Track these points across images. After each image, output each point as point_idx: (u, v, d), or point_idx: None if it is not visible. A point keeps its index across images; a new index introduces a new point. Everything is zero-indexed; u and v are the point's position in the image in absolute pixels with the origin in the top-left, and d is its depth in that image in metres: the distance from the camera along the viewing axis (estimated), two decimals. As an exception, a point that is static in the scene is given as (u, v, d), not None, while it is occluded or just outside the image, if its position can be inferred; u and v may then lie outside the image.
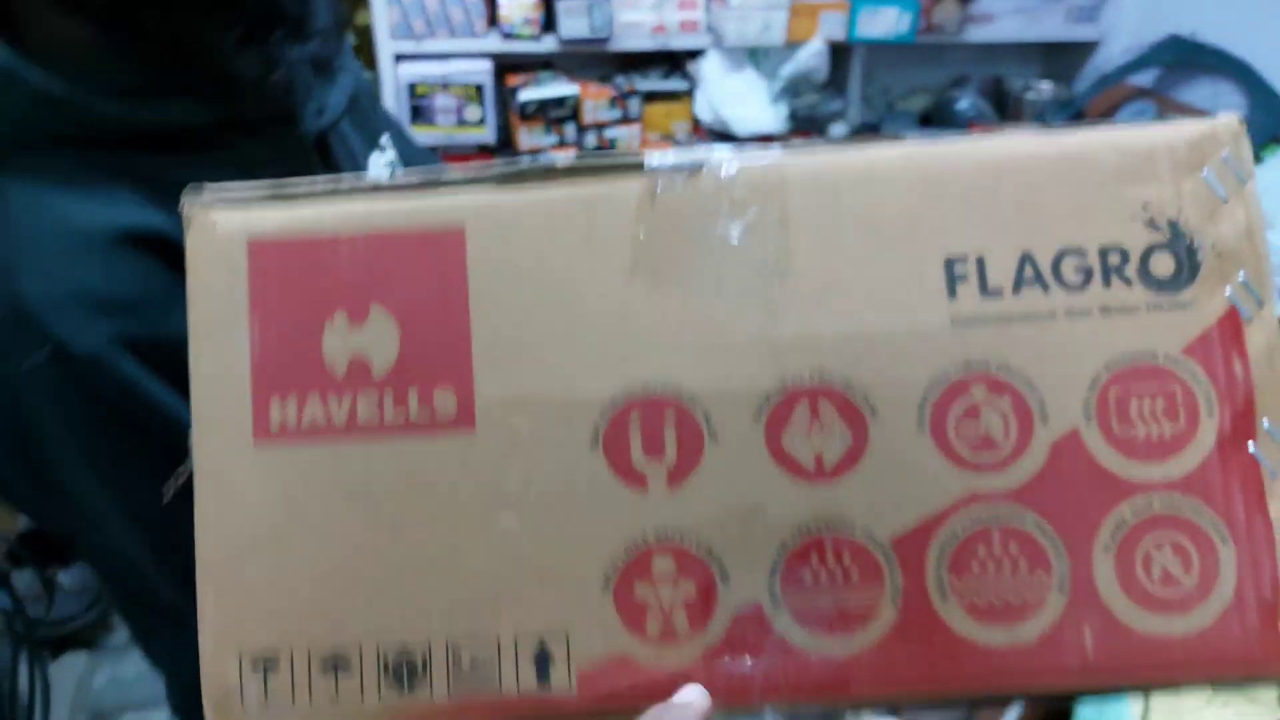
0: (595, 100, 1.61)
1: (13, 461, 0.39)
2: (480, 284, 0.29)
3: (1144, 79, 1.63)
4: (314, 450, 0.28)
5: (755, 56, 1.64)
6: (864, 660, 0.28)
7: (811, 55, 1.58)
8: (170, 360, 0.37)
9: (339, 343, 0.29)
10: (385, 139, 0.55)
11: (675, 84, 1.69)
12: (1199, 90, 1.54)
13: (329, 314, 0.29)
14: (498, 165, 0.30)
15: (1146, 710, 0.91)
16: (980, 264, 0.29)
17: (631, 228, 0.29)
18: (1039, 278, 0.29)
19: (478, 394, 0.29)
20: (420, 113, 1.55)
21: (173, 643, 0.49)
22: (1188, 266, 0.29)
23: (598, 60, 1.73)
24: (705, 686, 0.28)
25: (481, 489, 0.28)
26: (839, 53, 1.69)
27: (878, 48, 1.72)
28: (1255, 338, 0.29)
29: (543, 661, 0.28)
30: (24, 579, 1.32)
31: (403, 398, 0.29)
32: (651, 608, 0.28)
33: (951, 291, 0.29)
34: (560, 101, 1.59)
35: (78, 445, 0.37)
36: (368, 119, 0.54)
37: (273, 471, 0.28)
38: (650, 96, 1.67)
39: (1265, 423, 0.29)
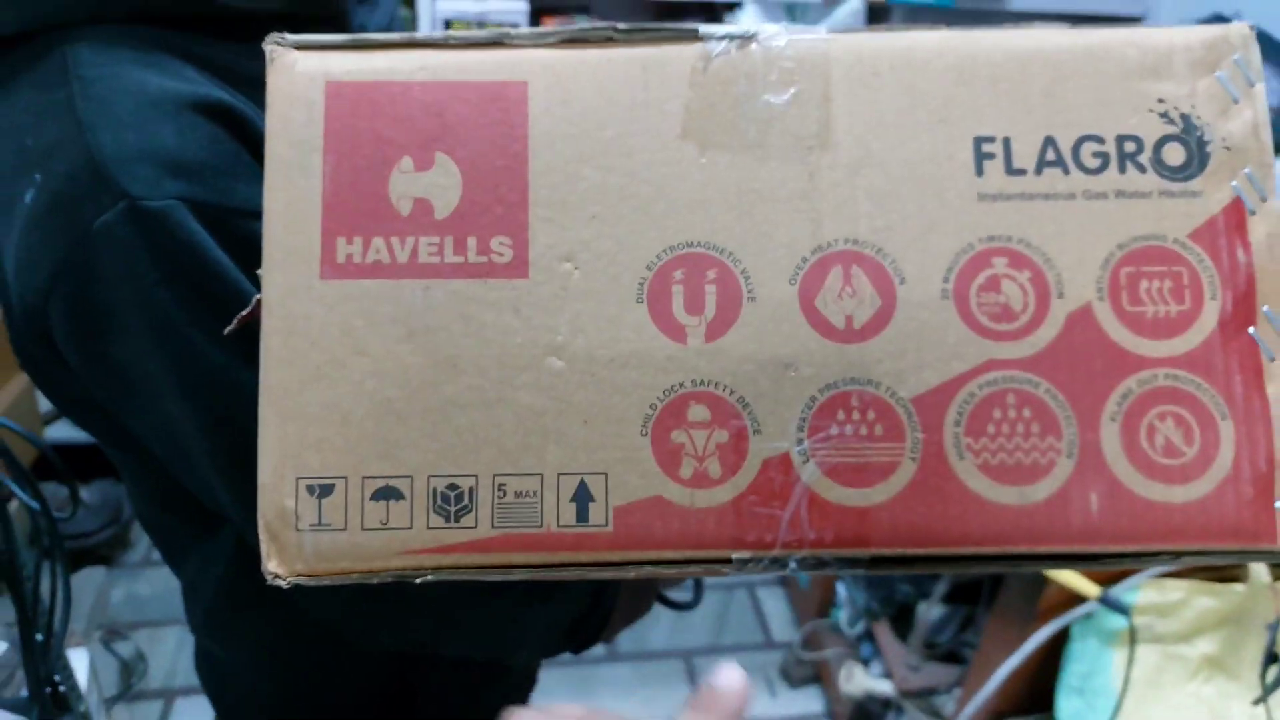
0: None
1: (73, 328, 0.40)
2: (540, 138, 0.31)
3: (1180, 59, 1.63)
4: (377, 286, 0.30)
5: (793, 12, 1.64)
6: (883, 512, 0.30)
7: (848, 14, 1.59)
8: (233, 230, 0.39)
9: (405, 185, 0.30)
10: None
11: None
12: None
13: (397, 158, 0.31)
14: (563, 28, 0.32)
15: (1127, 682, 0.93)
16: (1007, 144, 0.31)
17: (684, 92, 0.31)
18: (1060, 160, 0.31)
19: (532, 243, 0.31)
20: None
21: (200, 551, 0.51)
22: (1198, 157, 0.31)
23: (633, 6, 1.73)
24: (733, 531, 0.30)
25: (533, 333, 0.30)
26: (877, 13, 1.69)
27: (917, 10, 1.71)
28: (1258, 229, 0.31)
29: (582, 500, 0.30)
30: (49, 490, 1.33)
31: (462, 241, 0.30)
32: (686, 452, 0.30)
33: (979, 169, 0.31)
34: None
35: (140, 305, 0.39)
36: None
37: (337, 305, 0.30)
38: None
39: (1265, 309, 0.31)
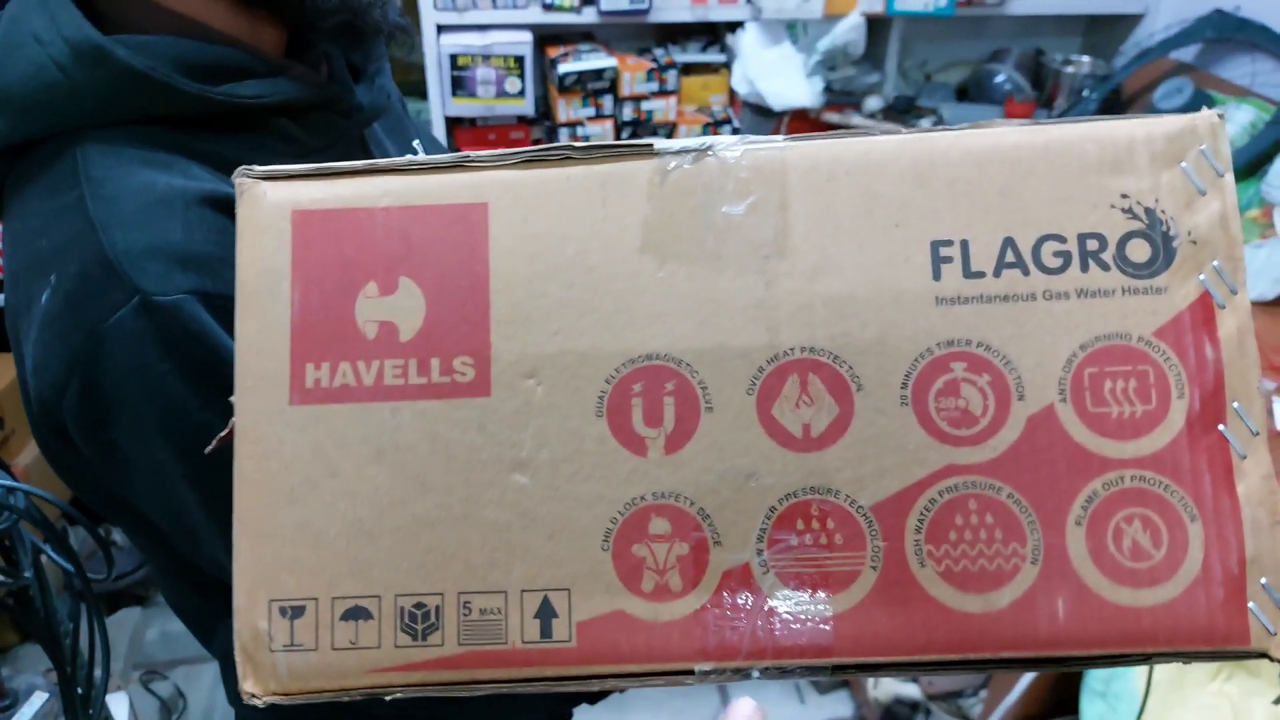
0: (633, 73, 1.62)
1: (85, 420, 0.42)
2: (501, 257, 0.32)
3: (1185, 54, 1.59)
4: (346, 409, 0.31)
5: (793, 30, 1.63)
6: (845, 622, 0.30)
7: (849, 29, 1.57)
8: None
9: (370, 310, 0.32)
10: (417, 143, 0.58)
11: (713, 56, 1.69)
12: (1239, 67, 1.50)
13: (363, 282, 0.32)
14: (522, 150, 0.32)
15: (1150, 684, 0.92)
16: (965, 247, 0.31)
17: (642, 206, 0.32)
18: (1020, 261, 0.31)
19: (494, 361, 0.31)
20: (460, 84, 1.56)
21: (228, 628, 0.53)
22: (1163, 253, 0.31)
23: (637, 31, 1.74)
24: (697, 644, 0.30)
25: (498, 449, 0.31)
26: (877, 26, 1.68)
27: (916, 20, 1.70)
28: (1227, 323, 0.31)
29: (546, 616, 0.31)
30: (78, 536, 1.39)
31: (425, 363, 0.31)
32: (647, 565, 0.31)
33: (936, 273, 0.31)
34: (599, 74, 1.60)
35: (150, 396, 0.40)
36: (401, 124, 0.58)
37: (308, 428, 0.31)
38: (688, 69, 1.67)
39: (1235, 405, 0.30)
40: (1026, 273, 0.31)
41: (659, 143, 0.32)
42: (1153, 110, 1.53)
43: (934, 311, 0.31)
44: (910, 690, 1.35)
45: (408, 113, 0.62)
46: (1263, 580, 0.30)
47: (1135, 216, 0.31)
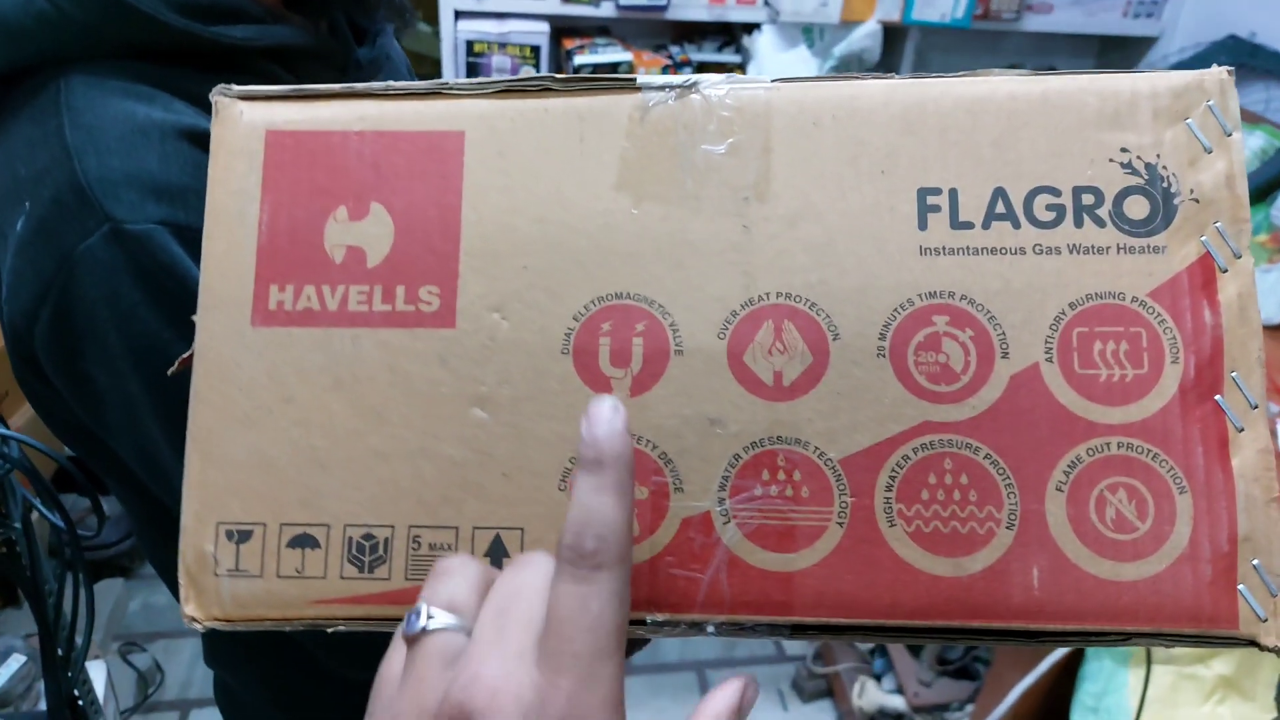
0: (648, 68, 1.62)
1: (56, 350, 0.42)
2: (474, 188, 0.31)
3: (1200, 79, 1.57)
4: (307, 334, 0.31)
5: (809, 34, 1.63)
6: (807, 578, 0.29)
7: (865, 36, 1.56)
8: None
9: (339, 234, 0.31)
10: None
11: (728, 57, 1.69)
12: (1252, 94, 1.47)
13: (333, 207, 0.31)
14: (501, 79, 0.32)
15: (1143, 702, 0.89)
16: (953, 196, 0.30)
17: (621, 142, 0.31)
18: (1010, 213, 0.30)
19: (461, 292, 0.31)
20: (475, 71, 1.57)
21: None
22: (1163, 211, 0.29)
23: (654, 28, 1.74)
24: (649, 592, 0.29)
25: (459, 384, 0.30)
26: (893, 34, 1.67)
27: (932, 31, 1.69)
28: (1228, 287, 0.29)
29: (496, 555, 0.30)
30: (70, 501, 1.40)
31: (390, 290, 0.31)
32: None
33: (922, 222, 0.30)
34: (614, 67, 1.60)
35: (121, 327, 0.40)
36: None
37: (267, 352, 0.31)
38: (702, 68, 1.67)
39: (1234, 374, 0.29)
40: (1017, 225, 0.30)
41: (642, 78, 0.31)
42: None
43: (918, 262, 0.30)
44: (895, 701, 1.32)
45: (413, 74, 0.62)
46: (1254, 561, 0.28)
47: (1135, 172, 0.30)
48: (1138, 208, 0.29)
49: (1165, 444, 0.29)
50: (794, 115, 0.31)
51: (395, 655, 0.26)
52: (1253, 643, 0.28)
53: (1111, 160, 0.30)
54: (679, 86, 0.31)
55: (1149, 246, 0.29)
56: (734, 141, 0.31)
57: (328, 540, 0.30)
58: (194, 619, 0.30)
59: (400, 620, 0.28)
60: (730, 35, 1.74)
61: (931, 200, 0.30)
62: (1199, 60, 1.52)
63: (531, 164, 0.31)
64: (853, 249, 0.30)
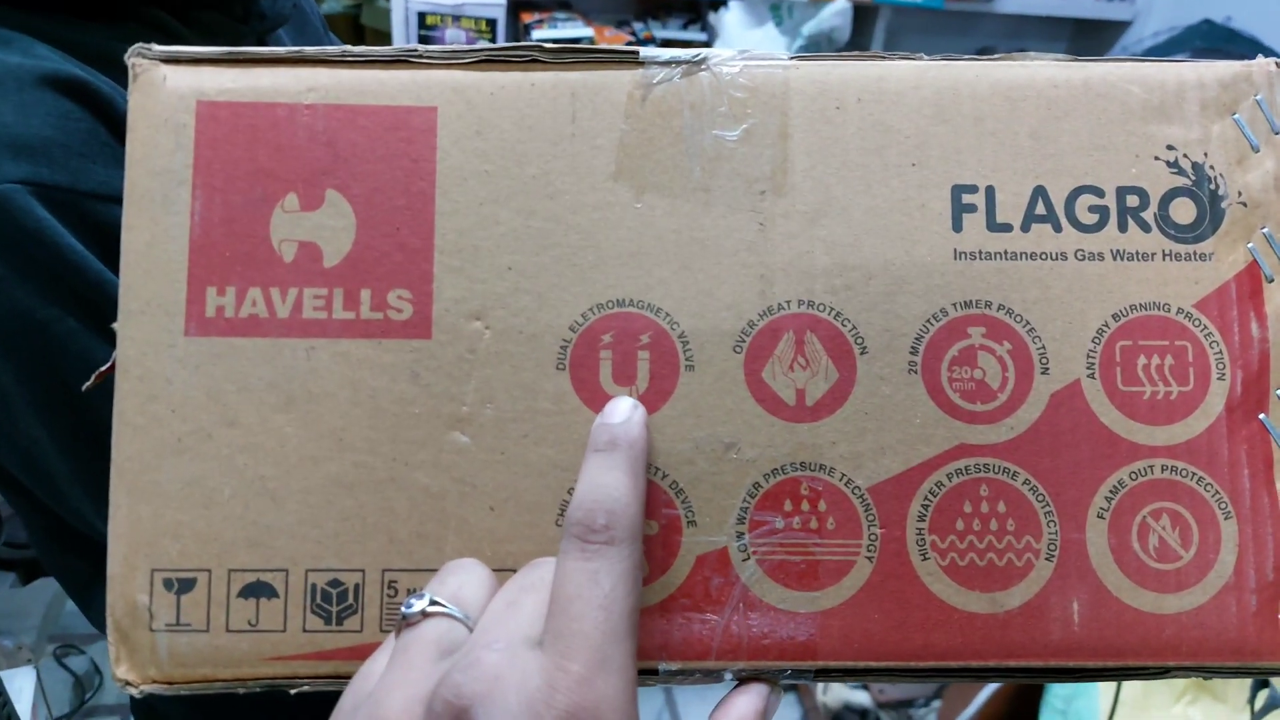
0: (610, 44, 1.57)
1: None
2: (449, 174, 0.27)
3: (1168, 64, 1.60)
4: (252, 345, 0.26)
5: (777, 12, 1.59)
6: (833, 619, 0.26)
7: (834, 14, 1.54)
8: (89, 215, 0.34)
9: (289, 227, 0.26)
10: None
11: (693, 34, 1.65)
12: None
13: (281, 194, 0.26)
14: (479, 47, 0.27)
15: (1115, 705, 0.91)
16: (990, 195, 0.27)
17: (619, 124, 0.27)
18: (1051, 214, 0.27)
19: (436, 297, 0.26)
20: (428, 44, 1.49)
21: (97, 586, 0.47)
22: (1210, 215, 0.27)
23: (617, 2, 1.68)
24: (661, 638, 0.26)
25: (433, 403, 0.26)
26: (864, 13, 1.65)
27: (904, 11, 1.68)
28: (1275, 298, 0.27)
29: None
30: None
31: (354, 294, 0.26)
32: None
33: (957, 223, 0.27)
34: (573, 43, 1.54)
35: None
36: (316, 39, 0.52)
37: (204, 366, 0.26)
38: (666, 44, 1.63)
39: (1278, 392, 0.27)
40: (1059, 228, 0.27)
41: (645, 51, 0.27)
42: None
43: (952, 267, 0.27)
44: (860, 697, 1.33)
45: (328, 31, 0.56)
46: (1300, 589, 0.26)
47: (1181, 171, 0.27)
48: (1184, 211, 0.27)
49: (1210, 466, 0.27)
50: (814, 97, 0.27)
51: (380, 654, 0.23)
52: None
53: (1157, 158, 0.27)
54: (686, 62, 0.27)
55: (1195, 254, 0.27)
56: (748, 126, 0.27)
57: (287, 587, 0.26)
58: (127, 682, 0.25)
59: None
60: (696, 12, 1.69)
61: (967, 199, 0.27)
62: (1173, 45, 1.54)
63: (515, 146, 0.27)
64: (880, 251, 0.27)
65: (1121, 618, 0.26)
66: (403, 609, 0.23)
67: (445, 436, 0.26)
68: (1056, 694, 0.96)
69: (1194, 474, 0.27)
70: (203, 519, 0.26)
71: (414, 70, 0.27)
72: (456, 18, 1.45)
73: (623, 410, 0.25)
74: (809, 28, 1.54)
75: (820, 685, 1.35)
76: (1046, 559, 0.26)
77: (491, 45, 0.27)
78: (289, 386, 0.26)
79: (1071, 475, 0.26)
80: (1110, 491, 0.26)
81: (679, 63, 0.27)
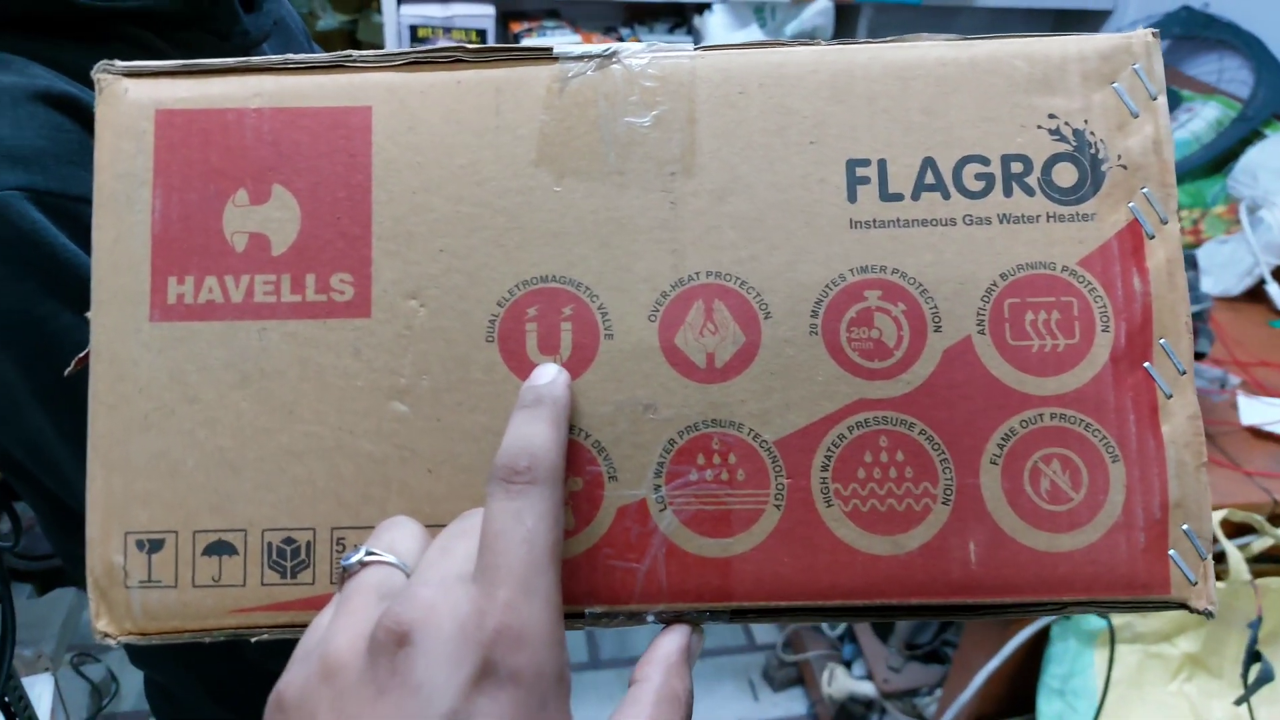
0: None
1: None
2: (384, 166, 0.29)
3: (1154, 50, 1.60)
4: (209, 328, 0.29)
5: (761, 14, 1.62)
6: (745, 563, 0.28)
7: (816, 13, 1.56)
8: (81, 218, 0.37)
9: (240, 220, 0.29)
10: None
11: (679, 38, 1.67)
12: (1206, 64, 1.51)
13: (232, 190, 0.29)
14: (408, 50, 0.30)
15: (1108, 684, 0.91)
16: (882, 167, 0.29)
17: (539, 115, 0.29)
18: (940, 183, 0.29)
19: (375, 280, 0.29)
20: None
21: None
22: (1091, 177, 0.29)
23: (604, 10, 1.71)
24: (587, 585, 0.28)
25: (374, 376, 0.29)
26: (846, 12, 1.67)
27: (886, 8, 1.69)
28: (1156, 254, 0.29)
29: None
30: None
31: (300, 279, 0.29)
32: None
33: (852, 194, 0.29)
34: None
35: None
36: (299, 51, 0.55)
37: (167, 349, 0.29)
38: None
39: (1162, 341, 0.29)
40: (947, 196, 0.29)
41: (559, 47, 0.30)
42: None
43: (848, 235, 0.29)
44: (865, 688, 1.34)
45: (313, 45, 0.59)
46: (1185, 526, 0.28)
47: (1063, 138, 0.29)
48: (1066, 175, 0.29)
49: (1098, 413, 0.28)
50: (719, 84, 0.30)
51: (328, 609, 0.26)
52: (1184, 605, 0.28)
53: (1040, 127, 0.29)
54: (598, 56, 0.30)
55: (1078, 214, 0.29)
56: (658, 112, 0.29)
57: (245, 546, 0.28)
58: (106, 634, 0.28)
59: None
60: (682, 16, 1.71)
61: (860, 171, 0.29)
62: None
63: (445, 139, 0.29)
64: (782, 224, 0.29)
65: (1017, 557, 0.28)
66: (341, 562, 0.25)
67: (386, 406, 0.29)
68: (1053, 674, 0.96)
69: (1082, 420, 0.28)
70: (169, 487, 0.28)
71: (350, 74, 0.30)
72: (447, 29, 1.49)
73: (548, 373, 0.28)
74: (792, 28, 1.56)
75: (825, 678, 1.37)
76: (944, 503, 0.28)
77: (420, 49, 0.30)
78: (244, 365, 0.29)
79: (965, 425, 0.28)
80: (1002, 439, 0.28)
81: (592, 57, 0.30)
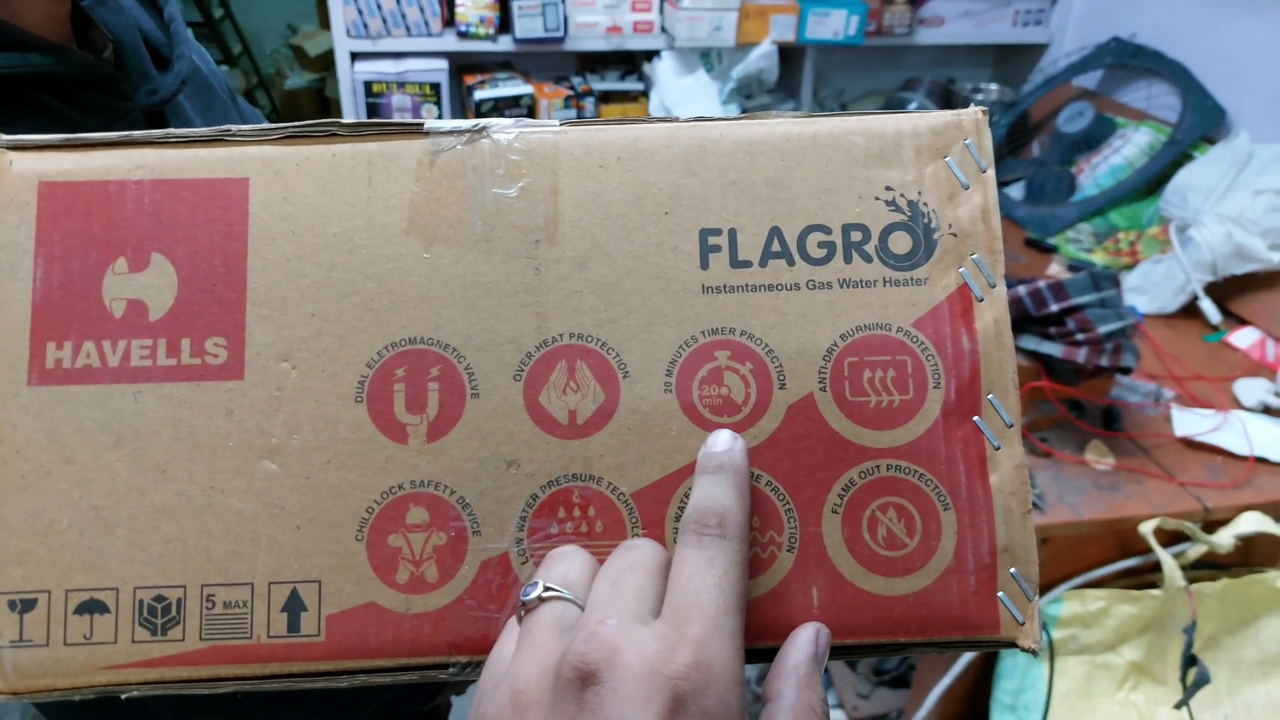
0: (550, 99, 1.63)
1: None
2: (259, 235, 0.31)
3: (1088, 80, 1.67)
4: (86, 392, 0.30)
5: (708, 59, 1.66)
6: None
7: (761, 57, 1.61)
8: None
9: (119, 287, 0.30)
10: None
11: (630, 85, 1.71)
12: (1136, 91, 1.58)
13: (112, 259, 0.30)
14: (285, 125, 0.31)
15: (1049, 698, 0.93)
16: (733, 236, 0.31)
17: (410, 187, 0.31)
18: (785, 251, 0.31)
19: (248, 342, 0.30)
20: (376, 111, 1.55)
21: None
22: (924, 245, 0.31)
23: (556, 60, 1.75)
24: (450, 636, 0.29)
25: (245, 436, 0.30)
26: (790, 54, 1.72)
27: (829, 50, 1.75)
28: (984, 315, 0.31)
29: (294, 609, 0.29)
30: None
31: (175, 343, 0.30)
32: (403, 556, 0.30)
33: (704, 261, 0.31)
34: (516, 100, 1.61)
35: None
36: (216, 104, 0.56)
37: (44, 412, 0.30)
38: (606, 97, 1.69)
39: (990, 396, 0.31)
40: (791, 263, 0.31)
41: (430, 122, 0.32)
42: (1058, 134, 1.59)
43: (700, 299, 0.31)
44: (835, 716, 1.34)
45: (235, 100, 0.60)
46: (1012, 570, 0.30)
47: (898, 209, 0.32)
48: (901, 243, 0.31)
49: (931, 464, 0.30)
50: (580, 157, 0.32)
51: (506, 640, 0.27)
52: (1013, 644, 0.30)
53: (877, 198, 0.32)
54: (468, 131, 0.32)
55: (912, 279, 0.31)
56: (524, 184, 0.31)
57: (117, 604, 0.29)
58: None
59: (199, 683, 0.28)
60: (632, 64, 1.76)
61: (713, 240, 0.31)
62: (1088, 62, 1.61)
63: (319, 209, 0.31)
64: (639, 289, 0.31)
65: (856, 600, 0.30)
66: (521, 596, 0.27)
67: (257, 465, 0.30)
68: (1004, 690, 0.98)
69: (916, 471, 0.30)
70: (43, 546, 0.29)
71: (229, 147, 0.31)
72: (401, 84, 1.51)
73: (725, 440, 0.29)
74: (738, 71, 1.60)
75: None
76: (789, 550, 0.30)
77: (296, 123, 0.31)
78: (119, 426, 0.30)
79: (808, 476, 0.30)
80: (843, 489, 0.30)
81: (461, 131, 0.32)
